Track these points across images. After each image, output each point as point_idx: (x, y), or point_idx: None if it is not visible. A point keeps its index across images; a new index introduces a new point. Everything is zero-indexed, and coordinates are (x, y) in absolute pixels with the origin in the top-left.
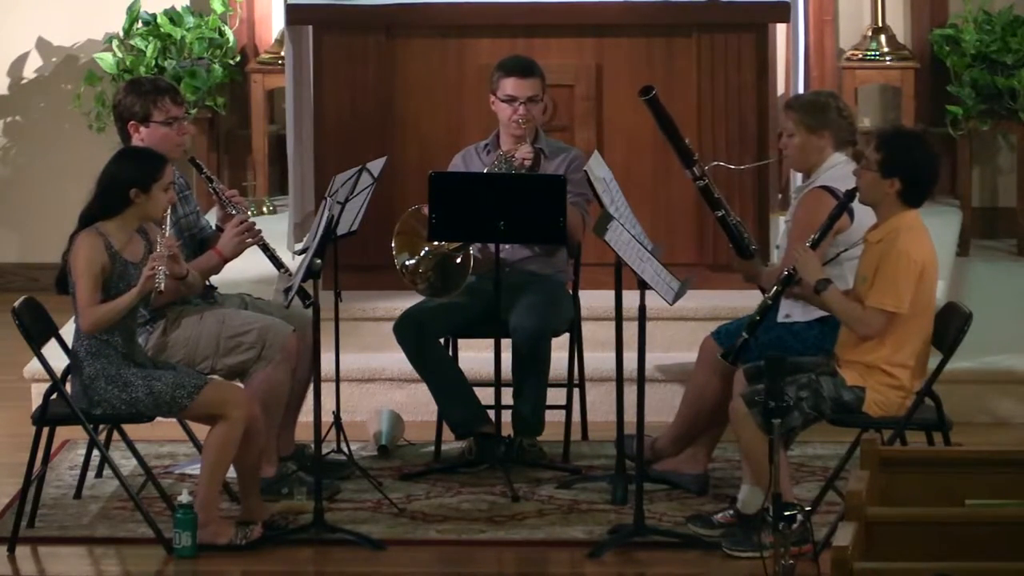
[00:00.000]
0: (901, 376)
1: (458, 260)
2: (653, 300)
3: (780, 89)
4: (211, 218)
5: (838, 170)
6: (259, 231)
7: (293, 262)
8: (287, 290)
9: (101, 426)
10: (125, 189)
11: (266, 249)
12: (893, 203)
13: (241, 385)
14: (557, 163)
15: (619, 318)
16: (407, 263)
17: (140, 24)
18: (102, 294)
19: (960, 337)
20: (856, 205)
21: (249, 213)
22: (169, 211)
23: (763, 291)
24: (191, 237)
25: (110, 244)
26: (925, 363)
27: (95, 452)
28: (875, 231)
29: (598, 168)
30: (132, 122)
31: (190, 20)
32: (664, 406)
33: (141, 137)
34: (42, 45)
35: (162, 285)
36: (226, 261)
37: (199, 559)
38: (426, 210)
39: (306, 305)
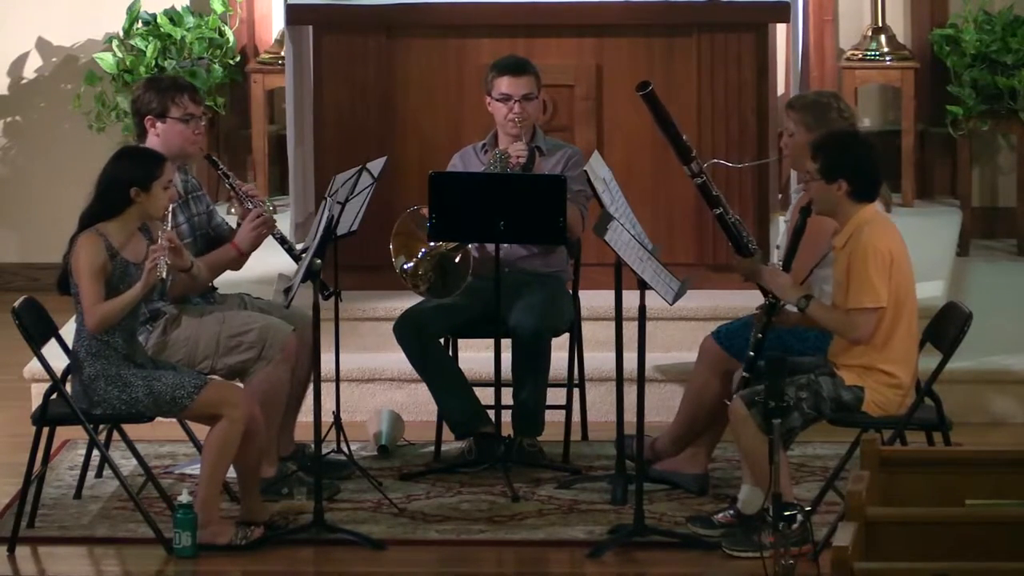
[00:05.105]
0: (896, 372)
1: (457, 259)
2: (653, 300)
3: (780, 89)
4: (229, 219)
5: None
6: (275, 224)
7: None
8: (287, 290)
9: (101, 426)
10: (125, 188)
11: (284, 242)
12: (847, 205)
13: (241, 385)
14: (555, 161)
15: (619, 318)
16: (405, 267)
17: (140, 24)
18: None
19: (960, 337)
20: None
21: (271, 207)
22: (170, 209)
23: (763, 291)
24: (202, 236)
25: (110, 244)
26: (914, 353)
27: (95, 452)
28: (839, 236)
29: (598, 168)
30: (149, 117)
31: (190, 20)
32: (664, 406)
33: (157, 132)
34: (42, 45)
35: (163, 273)
36: (243, 254)
37: (199, 559)
38: (424, 211)
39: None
